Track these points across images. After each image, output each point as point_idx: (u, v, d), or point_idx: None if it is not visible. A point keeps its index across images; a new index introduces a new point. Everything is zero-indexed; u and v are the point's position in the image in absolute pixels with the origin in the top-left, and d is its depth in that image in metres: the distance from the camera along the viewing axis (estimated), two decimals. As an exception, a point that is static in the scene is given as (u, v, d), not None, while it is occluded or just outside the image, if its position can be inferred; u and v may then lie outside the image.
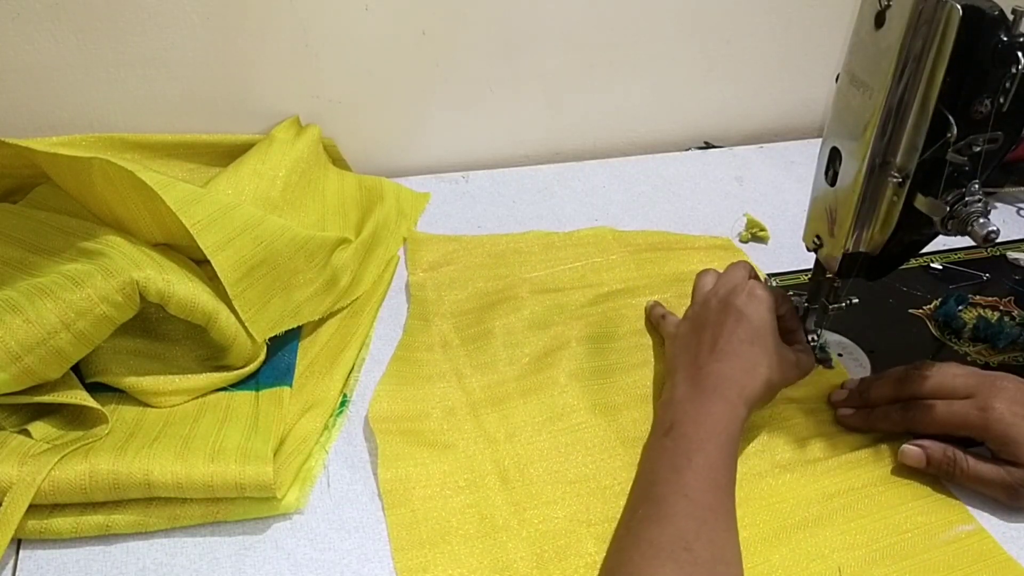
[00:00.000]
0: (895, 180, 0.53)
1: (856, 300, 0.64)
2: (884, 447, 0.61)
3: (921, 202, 0.52)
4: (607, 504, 0.56)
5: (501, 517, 0.55)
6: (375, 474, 0.57)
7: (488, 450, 0.59)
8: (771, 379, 0.57)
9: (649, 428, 0.61)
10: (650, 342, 0.69)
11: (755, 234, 0.84)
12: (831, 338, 0.69)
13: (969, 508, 0.57)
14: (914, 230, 0.56)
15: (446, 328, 0.70)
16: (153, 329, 0.64)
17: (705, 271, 0.69)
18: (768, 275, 0.77)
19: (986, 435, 0.56)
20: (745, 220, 0.85)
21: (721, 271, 0.66)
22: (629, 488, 0.57)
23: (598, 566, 0.52)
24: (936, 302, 0.75)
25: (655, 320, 0.70)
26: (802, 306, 0.65)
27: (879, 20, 0.49)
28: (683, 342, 0.62)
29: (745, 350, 0.58)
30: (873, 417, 0.62)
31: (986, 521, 0.56)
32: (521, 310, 0.71)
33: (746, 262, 0.67)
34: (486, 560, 0.52)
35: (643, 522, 0.50)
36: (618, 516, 0.55)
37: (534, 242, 0.81)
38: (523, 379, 0.65)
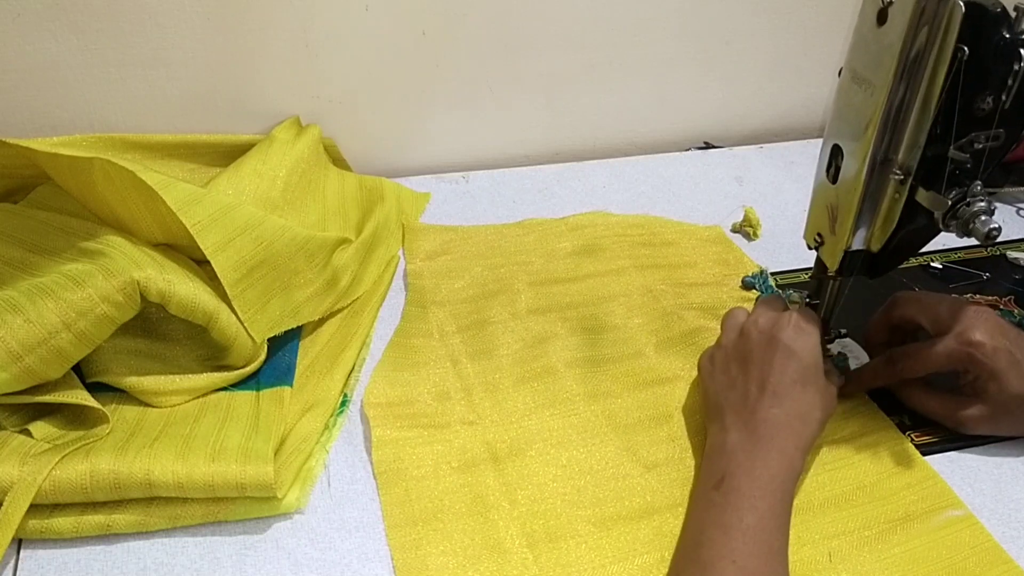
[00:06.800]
0: (897, 177, 0.52)
1: (844, 331, 0.66)
2: (877, 438, 0.61)
3: (923, 196, 0.52)
4: (599, 487, 0.57)
5: (492, 497, 0.56)
6: (375, 473, 0.57)
7: (481, 433, 0.60)
8: (823, 421, 0.56)
9: (640, 415, 0.63)
10: (641, 333, 0.70)
11: (745, 229, 0.84)
12: (832, 337, 0.69)
13: (959, 495, 0.57)
14: (915, 228, 0.56)
15: (443, 316, 0.71)
16: (154, 329, 0.64)
17: (734, 308, 0.64)
18: (769, 273, 0.77)
19: (970, 366, 0.58)
20: (743, 212, 0.85)
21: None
22: (621, 472, 0.58)
23: (589, 547, 0.53)
24: (936, 301, 0.75)
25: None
26: (804, 302, 0.65)
27: (881, 17, 0.49)
28: (725, 378, 0.58)
29: (798, 393, 0.54)
30: (863, 378, 0.63)
31: (976, 509, 0.56)
32: (517, 302, 0.72)
33: (778, 296, 0.63)
34: (477, 538, 0.53)
35: None
36: (609, 499, 0.56)
37: (530, 231, 0.82)
38: (517, 367, 0.66)
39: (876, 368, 0.63)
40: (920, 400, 0.62)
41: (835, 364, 0.65)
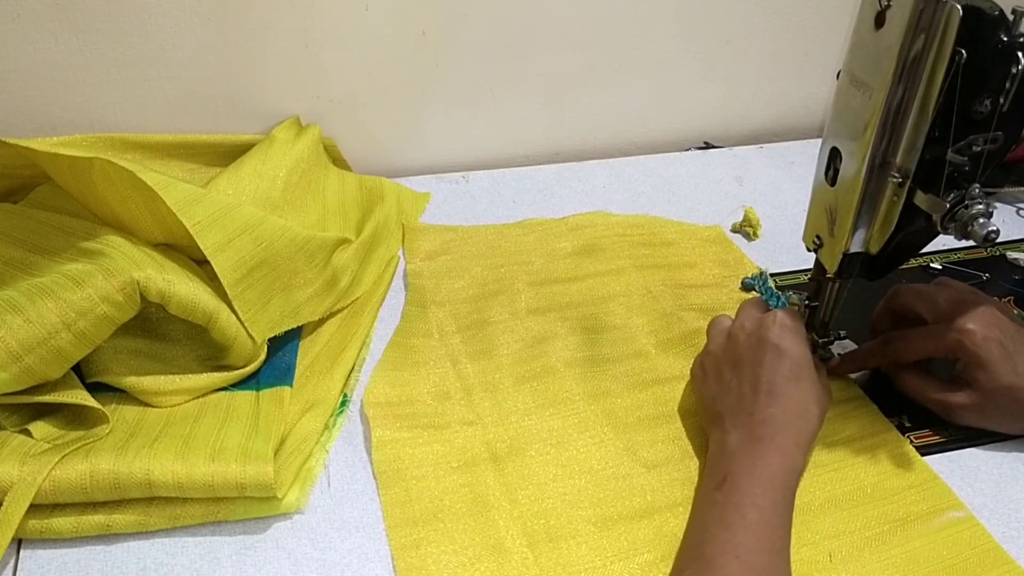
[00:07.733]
0: (895, 180, 0.52)
1: (844, 333, 0.66)
2: (877, 440, 0.61)
3: (921, 199, 0.52)
4: (599, 487, 0.57)
5: (493, 497, 0.56)
6: (375, 473, 0.57)
7: (481, 432, 0.61)
8: (821, 415, 0.56)
9: (640, 415, 0.63)
10: (641, 333, 0.70)
11: (745, 229, 0.85)
12: (831, 337, 0.69)
13: (959, 494, 0.57)
14: (914, 230, 0.56)
15: (442, 316, 0.71)
16: (154, 329, 0.64)
17: (717, 315, 0.65)
18: (768, 274, 0.77)
19: (960, 354, 0.59)
20: (743, 212, 0.85)
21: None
22: (621, 472, 0.58)
23: (590, 547, 0.53)
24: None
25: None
26: (803, 304, 0.65)
27: (879, 20, 0.49)
28: (719, 383, 0.58)
29: (793, 390, 0.55)
30: (858, 357, 0.65)
31: (976, 509, 0.57)
32: (517, 302, 0.72)
33: (759, 299, 0.65)
34: (478, 538, 0.53)
35: None
36: (609, 498, 0.56)
37: (530, 231, 0.82)
38: (517, 366, 0.66)
39: (871, 349, 0.64)
40: (913, 384, 0.62)
41: (821, 359, 0.65)
